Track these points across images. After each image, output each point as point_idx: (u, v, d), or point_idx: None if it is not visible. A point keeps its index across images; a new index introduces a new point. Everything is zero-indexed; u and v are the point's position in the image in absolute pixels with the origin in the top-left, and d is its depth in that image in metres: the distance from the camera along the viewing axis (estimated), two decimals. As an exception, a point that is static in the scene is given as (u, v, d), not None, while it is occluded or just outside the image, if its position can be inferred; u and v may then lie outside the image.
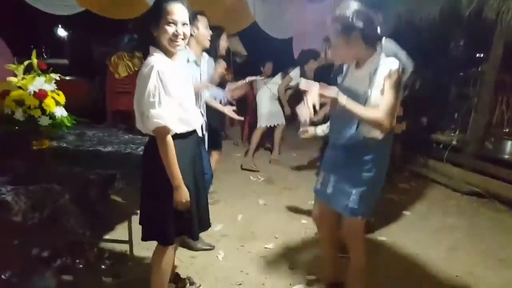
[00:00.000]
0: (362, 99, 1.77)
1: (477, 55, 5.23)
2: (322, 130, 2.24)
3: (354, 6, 1.76)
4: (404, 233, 3.21)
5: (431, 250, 2.93)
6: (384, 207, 3.32)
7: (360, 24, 1.73)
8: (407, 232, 3.24)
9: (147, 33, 1.71)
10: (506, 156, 4.29)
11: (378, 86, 1.76)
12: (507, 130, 4.50)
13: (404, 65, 1.77)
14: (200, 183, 1.90)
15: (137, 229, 1.96)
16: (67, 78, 6.56)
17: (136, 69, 5.34)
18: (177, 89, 1.69)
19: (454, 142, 4.71)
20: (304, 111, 1.77)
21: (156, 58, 1.67)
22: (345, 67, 2.04)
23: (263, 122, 5.01)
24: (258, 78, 4.26)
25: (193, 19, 2.54)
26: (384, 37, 1.80)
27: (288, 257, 2.73)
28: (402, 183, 4.50)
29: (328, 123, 2.11)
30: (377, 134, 1.82)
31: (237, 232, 3.10)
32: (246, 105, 6.02)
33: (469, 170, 4.40)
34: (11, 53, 4.63)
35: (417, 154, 5.07)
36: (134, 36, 5.97)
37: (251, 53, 6.64)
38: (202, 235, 2.82)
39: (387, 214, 3.47)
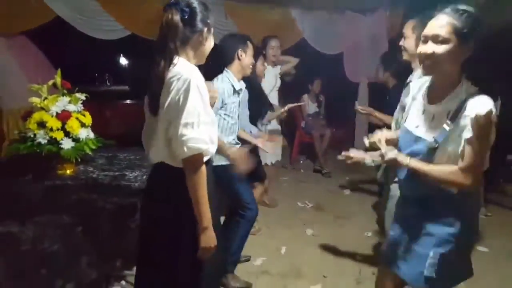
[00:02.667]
0: (430, 149, 1.37)
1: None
2: (372, 159, 1.83)
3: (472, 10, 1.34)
4: (486, 276, 2.63)
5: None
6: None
7: (479, 34, 1.31)
8: (489, 275, 2.65)
9: (173, 43, 1.39)
10: None
11: (459, 131, 1.33)
12: None
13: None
14: (216, 222, 1.51)
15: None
16: (128, 101, 6.94)
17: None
18: (209, 105, 1.44)
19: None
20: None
21: (189, 68, 1.38)
22: (407, 97, 1.60)
23: None
24: (300, 104, 3.94)
25: (243, 44, 2.35)
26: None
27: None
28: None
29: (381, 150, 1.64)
30: (452, 190, 1.41)
31: (280, 268, 2.72)
32: (294, 126, 5.72)
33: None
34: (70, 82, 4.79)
35: (491, 178, 4.40)
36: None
37: (299, 71, 6.40)
38: (239, 270, 2.51)
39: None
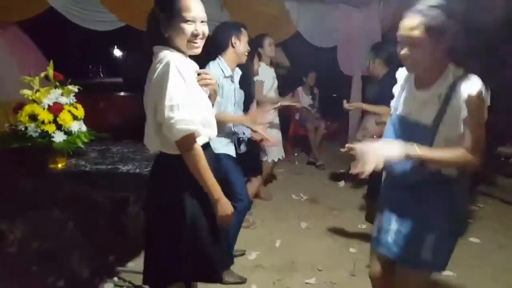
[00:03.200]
0: (428, 133, 1.37)
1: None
2: None
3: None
4: (477, 267, 2.67)
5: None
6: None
7: (454, 25, 1.29)
8: (481, 266, 2.69)
9: (156, 33, 1.41)
10: None
11: (454, 114, 1.34)
12: None
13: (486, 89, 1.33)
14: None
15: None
16: (121, 94, 6.85)
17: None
18: (196, 86, 1.45)
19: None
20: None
21: (169, 54, 1.39)
22: (400, 76, 1.60)
23: None
24: (293, 103, 3.95)
25: (236, 31, 2.33)
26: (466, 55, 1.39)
27: (333, 295, 2.32)
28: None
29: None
30: (451, 173, 1.42)
31: (275, 261, 2.73)
32: (289, 119, 5.72)
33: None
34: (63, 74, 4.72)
35: (483, 170, 4.44)
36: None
37: (294, 64, 6.38)
38: (233, 265, 2.51)
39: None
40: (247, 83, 2.94)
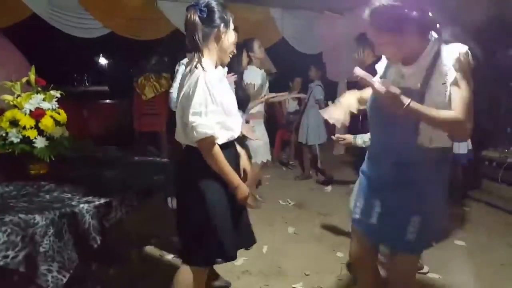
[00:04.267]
0: (415, 99, 1.35)
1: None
2: (363, 140, 1.86)
3: None
4: (462, 269, 2.70)
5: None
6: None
7: (410, 13, 1.33)
8: (465, 268, 2.72)
9: (194, 43, 1.60)
10: None
11: (441, 79, 1.36)
12: None
13: (473, 51, 1.36)
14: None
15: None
16: (107, 101, 6.80)
17: (163, 89, 5.25)
18: (222, 96, 1.63)
19: (509, 160, 4.19)
20: (337, 113, 1.43)
21: (204, 65, 1.59)
22: (380, 67, 1.64)
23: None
24: (281, 94, 3.93)
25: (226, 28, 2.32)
26: (438, 24, 1.41)
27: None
28: (452, 207, 3.94)
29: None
30: (444, 143, 1.43)
31: (261, 267, 2.71)
32: (276, 125, 5.74)
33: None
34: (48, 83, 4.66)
35: (467, 173, 4.52)
36: (162, 58, 5.91)
37: (280, 70, 6.43)
38: (221, 269, 2.49)
39: (437, 245, 2.96)
40: (237, 87, 2.96)
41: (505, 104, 4.69)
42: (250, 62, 3.51)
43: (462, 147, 3.73)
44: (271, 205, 4.05)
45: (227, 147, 1.70)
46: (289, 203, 4.12)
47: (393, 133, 1.47)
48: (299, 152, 5.32)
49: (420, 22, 1.35)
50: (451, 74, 1.34)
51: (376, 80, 1.34)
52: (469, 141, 2.83)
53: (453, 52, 1.35)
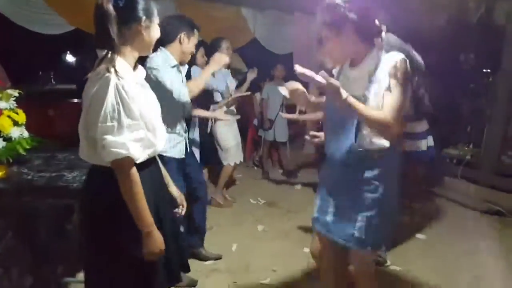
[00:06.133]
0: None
1: (488, 64, 4.93)
2: None
3: None
4: (421, 261, 2.82)
5: (453, 279, 2.58)
6: (395, 231, 2.94)
7: (353, 14, 1.43)
8: (424, 259, 2.85)
9: (105, 39, 1.25)
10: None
11: (379, 85, 1.46)
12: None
13: (413, 59, 1.46)
14: (166, 222, 1.48)
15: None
16: (74, 100, 6.61)
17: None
18: (141, 105, 1.30)
19: (468, 157, 4.43)
20: (301, 98, 1.49)
21: (118, 68, 1.25)
22: (335, 69, 1.72)
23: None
24: (247, 93, 3.94)
25: (188, 29, 2.27)
26: (383, 31, 1.50)
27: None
28: (413, 203, 4.10)
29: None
30: (382, 143, 1.50)
31: (230, 264, 2.73)
32: (247, 124, 5.75)
33: (487, 187, 4.07)
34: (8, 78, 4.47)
35: (428, 170, 4.70)
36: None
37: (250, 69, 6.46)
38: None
39: (399, 238, 3.08)
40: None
41: (466, 104, 4.89)
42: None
43: (423, 145, 3.87)
44: (242, 204, 4.08)
45: (148, 165, 1.39)
46: (260, 202, 4.16)
47: (339, 135, 1.55)
48: (269, 150, 5.39)
49: (360, 26, 1.45)
50: (386, 80, 1.45)
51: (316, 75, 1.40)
52: (429, 138, 2.94)
53: (390, 60, 1.46)
